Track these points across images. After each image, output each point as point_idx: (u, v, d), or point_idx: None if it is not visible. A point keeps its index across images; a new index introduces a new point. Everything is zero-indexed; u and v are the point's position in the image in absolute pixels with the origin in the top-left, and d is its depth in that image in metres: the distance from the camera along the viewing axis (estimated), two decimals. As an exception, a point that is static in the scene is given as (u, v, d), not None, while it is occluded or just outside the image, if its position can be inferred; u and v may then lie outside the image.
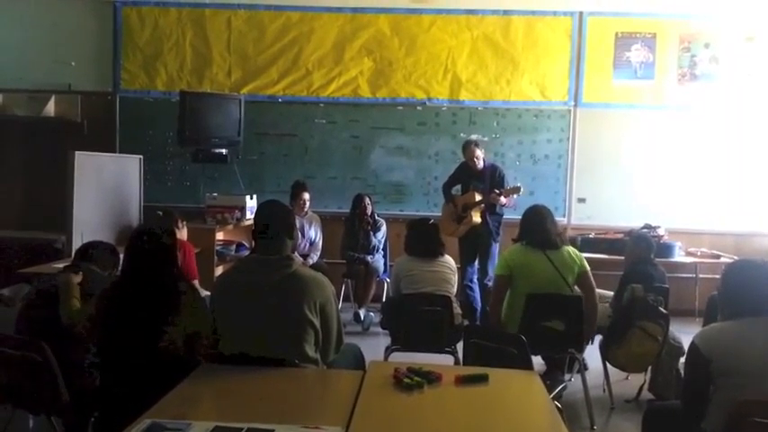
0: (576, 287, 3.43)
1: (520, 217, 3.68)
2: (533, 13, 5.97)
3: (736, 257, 5.29)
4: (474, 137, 5.79)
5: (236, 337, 2.29)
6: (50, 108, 6.02)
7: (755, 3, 5.49)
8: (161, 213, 4.59)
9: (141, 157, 5.78)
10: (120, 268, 2.70)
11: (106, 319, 2.37)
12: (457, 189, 5.31)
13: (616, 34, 5.99)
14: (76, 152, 4.94)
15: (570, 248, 3.48)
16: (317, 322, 2.30)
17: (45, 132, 6.08)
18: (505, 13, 5.99)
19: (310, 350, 2.29)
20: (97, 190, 5.15)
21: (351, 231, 5.56)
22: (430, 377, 2.09)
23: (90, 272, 2.85)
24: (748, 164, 5.90)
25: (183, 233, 4.32)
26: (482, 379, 2.13)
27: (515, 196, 5.00)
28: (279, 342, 2.25)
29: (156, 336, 2.28)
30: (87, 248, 3.05)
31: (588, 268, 3.45)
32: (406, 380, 2.06)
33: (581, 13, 5.97)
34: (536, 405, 2.04)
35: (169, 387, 1.99)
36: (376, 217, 5.60)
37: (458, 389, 2.08)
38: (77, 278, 2.71)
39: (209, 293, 2.72)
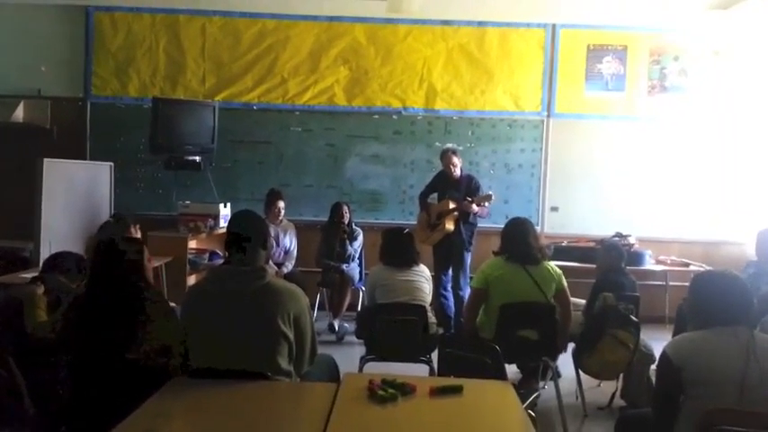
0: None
1: (494, 226, 3.70)
2: (507, 24, 6.05)
3: (704, 265, 5.42)
4: (450, 146, 5.83)
5: (208, 350, 2.26)
6: (19, 113, 5.89)
7: (722, 18, 5.64)
8: (112, 220, 4.45)
9: (112, 164, 5.69)
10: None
11: (74, 330, 2.32)
12: (433, 198, 5.34)
13: (588, 46, 6.09)
14: (45, 159, 4.85)
15: (550, 265, 3.51)
16: (290, 334, 2.28)
17: (13, 138, 5.94)
18: (480, 24, 6.06)
19: (284, 362, 2.26)
20: (66, 197, 5.06)
21: (327, 239, 5.53)
22: (404, 389, 2.09)
23: (58, 283, 2.79)
24: (716, 174, 6.04)
25: None
26: (456, 390, 2.13)
27: (487, 204, 5.04)
28: (252, 354, 2.22)
29: (125, 347, 2.24)
30: (55, 259, 2.99)
31: (566, 285, 3.49)
32: (381, 392, 2.05)
33: (554, 26, 6.07)
34: (510, 416, 2.05)
35: (139, 401, 1.95)
36: (353, 226, 5.59)
37: (432, 400, 2.08)
38: (40, 290, 2.65)
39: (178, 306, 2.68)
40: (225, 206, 5.60)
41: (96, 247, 2.46)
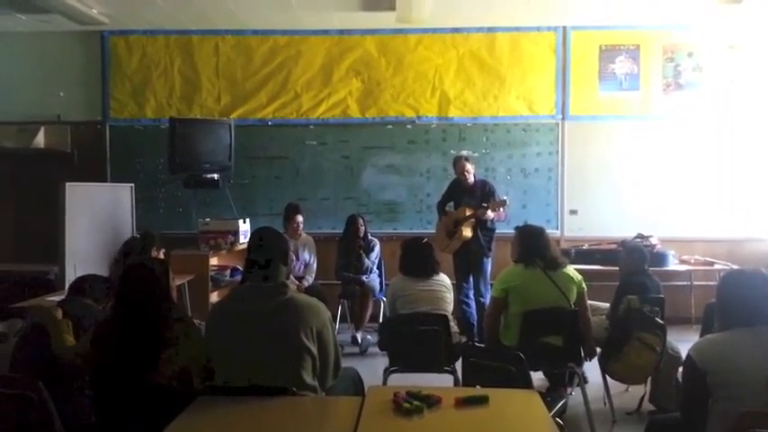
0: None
1: (513, 231, 3.68)
2: (518, 29, 6.03)
3: (729, 264, 5.33)
4: (464, 153, 5.83)
5: (233, 367, 2.27)
6: (40, 139, 6.00)
7: (736, 12, 5.57)
8: (138, 235, 4.50)
9: (132, 185, 5.77)
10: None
11: (101, 352, 2.35)
12: (450, 206, 5.33)
13: (600, 47, 6.06)
14: (67, 183, 4.93)
15: (571, 269, 3.47)
16: (314, 349, 2.28)
17: (35, 164, 6.07)
18: (490, 30, 6.06)
19: (308, 377, 2.27)
20: (89, 220, 5.13)
21: (344, 252, 5.55)
22: (429, 401, 2.07)
23: (84, 306, 2.83)
24: (737, 170, 5.95)
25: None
26: (482, 400, 2.11)
27: (502, 209, 5.01)
28: (276, 370, 2.23)
29: (151, 368, 2.26)
30: (80, 283, 3.03)
31: (585, 290, 3.46)
32: (406, 404, 2.04)
33: (564, 28, 6.05)
34: (537, 425, 2.03)
35: (166, 421, 1.96)
36: (369, 237, 5.59)
37: (458, 411, 2.06)
38: (59, 314, 2.68)
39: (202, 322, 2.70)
40: (244, 222, 5.65)
41: (122, 269, 2.49)
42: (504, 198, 5.03)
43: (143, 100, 6.19)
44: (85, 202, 5.13)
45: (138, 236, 4.45)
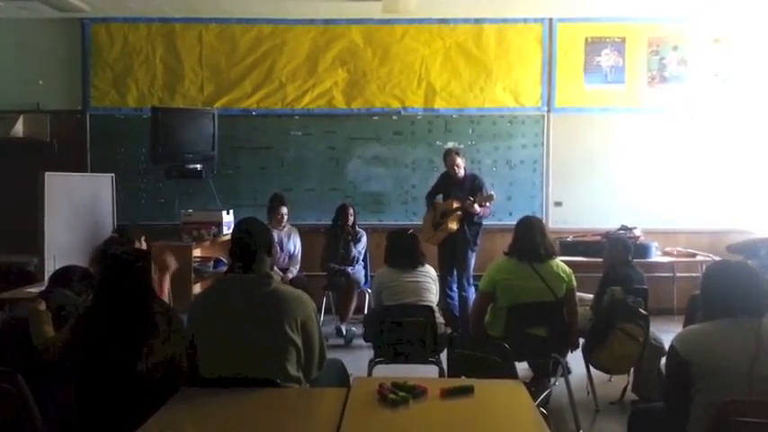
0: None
1: (499, 223, 3.68)
2: (504, 20, 6.02)
3: (711, 255, 5.39)
4: (450, 144, 5.82)
5: (217, 359, 2.25)
6: (19, 128, 5.89)
7: (721, 5, 5.61)
8: (116, 235, 4.44)
9: (113, 175, 5.69)
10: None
11: (82, 344, 2.31)
12: (439, 198, 5.32)
13: (586, 39, 6.07)
14: (46, 173, 4.85)
15: (559, 262, 3.45)
16: (298, 340, 2.26)
17: (13, 153, 5.94)
18: (477, 21, 6.04)
19: (293, 369, 2.25)
20: (69, 210, 5.06)
21: (331, 242, 5.52)
22: (415, 391, 2.07)
23: (65, 297, 2.78)
24: (720, 162, 6.01)
25: None
26: (467, 391, 2.11)
27: (489, 204, 5.02)
28: (260, 362, 2.21)
29: (133, 360, 2.23)
30: (61, 274, 2.98)
31: (575, 285, 3.46)
32: (391, 395, 2.04)
33: (551, 20, 6.04)
34: (522, 414, 2.03)
35: (148, 413, 1.94)
36: (356, 228, 5.58)
37: (443, 402, 2.06)
38: (42, 306, 2.64)
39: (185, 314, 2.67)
40: (228, 213, 5.59)
41: (103, 260, 2.45)
42: (492, 193, 5.03)
43: (124, 89, 6.09)
44: (65, 192, 5.05)
45: (115, 234, 4.37)
